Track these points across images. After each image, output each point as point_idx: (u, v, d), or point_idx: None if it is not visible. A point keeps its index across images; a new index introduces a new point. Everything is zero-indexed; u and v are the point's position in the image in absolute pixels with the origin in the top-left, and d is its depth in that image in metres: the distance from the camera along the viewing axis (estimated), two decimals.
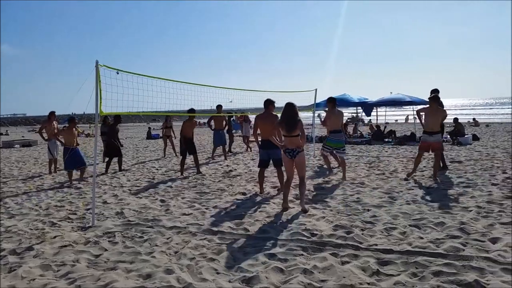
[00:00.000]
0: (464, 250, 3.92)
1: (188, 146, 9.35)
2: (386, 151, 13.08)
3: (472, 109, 69.54)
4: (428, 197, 6.20)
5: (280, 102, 8.75)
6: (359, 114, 36.61)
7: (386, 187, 7.06)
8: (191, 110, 9.19)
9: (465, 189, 6.66)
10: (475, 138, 16.18)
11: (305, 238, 4.46)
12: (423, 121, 8.06)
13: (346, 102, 19.20)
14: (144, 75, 5.87)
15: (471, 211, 5.31)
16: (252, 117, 11.84)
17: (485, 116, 41.45)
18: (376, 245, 4.15)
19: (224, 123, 12.48)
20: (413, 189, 6.83)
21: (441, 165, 8.88)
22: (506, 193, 6.23)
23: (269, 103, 6.81)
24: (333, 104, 8.25)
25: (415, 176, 8.10)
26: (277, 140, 5.97)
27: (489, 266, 3.54)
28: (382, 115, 30.54)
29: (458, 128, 15.78)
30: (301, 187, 5.78)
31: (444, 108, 8.30)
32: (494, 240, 4.16)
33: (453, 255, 3.81)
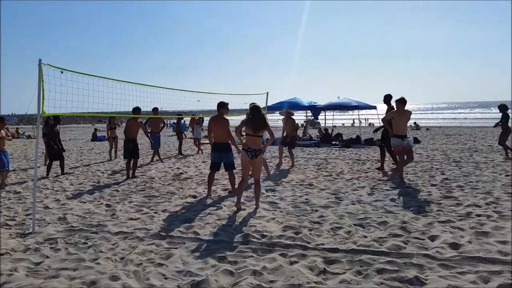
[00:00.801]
0: (405, 248, 4.12)
1: (131, 148, 9.05)
2: (334, 154, 13.50)
3: (415, 113, 73.55)
4: (372, 197, 6.46)
5: (232, 105, 8.80)
6: (312, 118, 37.54)
7: (333, 188, 7.28)
8: (136, 109, 8.91)
9: (407, 190, 7.02)
10: (416, 141, 17.12)
11: (255, 240, 4.49)
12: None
13: (296, 106, 19.57)
14: (90, 75, 5.64)
15: (412, 210, 5.60)
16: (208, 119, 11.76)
17: (426, 120, 43.96)
18: (323, 244, 4.27)
19: (161, 125, 12.31)
20: (358, 190, 7.09)
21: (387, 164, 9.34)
22: (444, 193, 6.63)
23: (221, 106, 6.80)
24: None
25: (360, 177, 8.42)
26: (241, 139, 6.23)
27: (428, 262, 3.75)
28: (330, 119, 31.48)
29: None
30: (257, 189, 5.91)
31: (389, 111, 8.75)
32: (432, 238, 4.41)
33: (395, 253, 4.00)
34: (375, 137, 15.50)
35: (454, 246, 4.11)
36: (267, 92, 12.81)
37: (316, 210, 5.70)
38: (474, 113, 62.64)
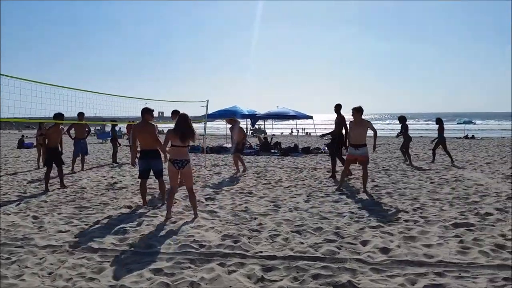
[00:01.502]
0: (339, 253, 4.28)
1: (53, 156, 8.52)
2: (273, 162, 13.73)
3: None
4: (308, 204, 6.64)
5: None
6: (261, 126, 38.09)
7: (272, 196, 7.39)
8: (58, 116, 8.37)
9: (340, 196, 7.31)
10: None
11: (193, 250, 4.41)
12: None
13: (236, 114, 19.69)
14: (15, 77, 5.27)
15: (345, 216, 5.83)
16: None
17: None
18: (261, 252, 4.31)
19: (86, 132, 11.85)
20: (295, 197, 7.26)
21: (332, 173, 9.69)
22: (375, 200, 7.00)
23: (145, 112, 6.60)
24: (176, 115, 8.41)
25: (297, 185, 8.63)
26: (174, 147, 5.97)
27: (360, 266, 3.91)
28: (269, 128, 32.03)
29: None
30: (192, 199, 5.86)
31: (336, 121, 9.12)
32: (364, 243, 4.62)
33: (329, 258, 4.13)
34: (323, 141, 15.94)
35: (384, 250, 4.34)
36: (207, 100, 12.80)
37: (255, 218, 5.75)
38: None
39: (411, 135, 13.78)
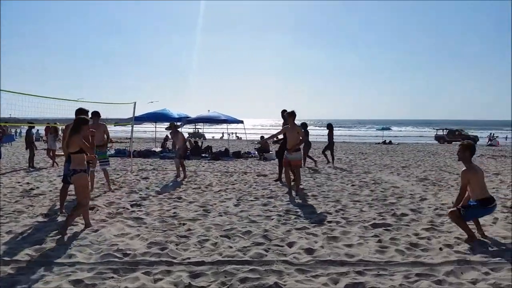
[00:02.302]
0: (266, 255, 4.35)
1: None
2: (203, 166, 13.62)
3: (275, 128, 79.18)
4: (238, 208, 6.68)
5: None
6: (199, 130, 37.55)
7: (202, 201, 7.32)
8: None
9: (269, 200, 7.46)
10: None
11: (116, 259, 4.21)
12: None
13: (166, 117, 19.30)
14: None
15: (273, 219, 5.95)
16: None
17: None
18: (189, 258, 4.24)
19: None
20: (225, 202, 7.26)
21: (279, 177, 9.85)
22: (301, 202, 7.23)
23: (78, 112, 6.24)
24: (97, 118, 8.19)
25: (227, 189, 8.65)
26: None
27: (286, 268, 4.01)
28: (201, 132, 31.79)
29: (264, 146, 17.58)
30: (73, 210, 5.21)
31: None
32: (291, 244, 4.75)
33: (257, 261, 4.19)
34: (254, 145, 16.15)
35: (309, 251, 4.50)
36: (135, 102, 12.38)
37: (183, 224, 5.64)
38: (343, 129, 69.81)
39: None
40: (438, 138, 38.43)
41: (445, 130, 38.73)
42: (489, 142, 32.92)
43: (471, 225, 5.01)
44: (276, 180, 9.98)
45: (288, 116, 8.06)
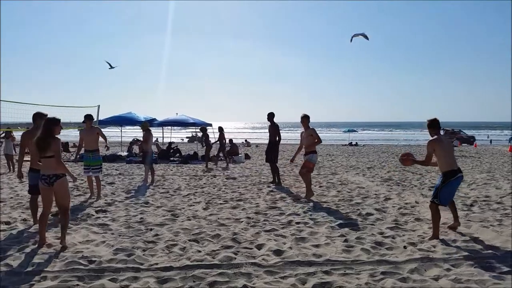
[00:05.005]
0: (235, 258, 4.35)
1: None
2: (171, 170, 13.45)
3: (248, 131, 79.45)
4: (207, 212, 6.64)
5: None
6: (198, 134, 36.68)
7: (170, 205, 7.23)
8: None
9: (238, 203, 7.45)
10: (247, 157, 18.42)
11: (81, 267, 4.09)
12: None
13: (131, 120, 18.94)
14: None
15: (242, 222, 5.96)
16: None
17: (255, 138, 47.57)
18: (157, 264, 4.18)
19: None
20: (194, 205, 7.20)
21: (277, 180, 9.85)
22: (270, 204, 7.27)
23: (38, 116, 5.87)
24: (90, 121, 8.03)
25: (196, 192, 8.58)
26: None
27: (255, 270, 4.03)
28: (168, 135, 31.33)
29: (233, 148, 17.60)
30: (63, 219, 4.86)
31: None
32: (259, 246, 4.78)
33: (226, 264, 4.18)
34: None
35: (278, 252, 4.53)
36: (99, 105, 12.10)
37: (151, 229, 5.55)
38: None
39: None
40: None
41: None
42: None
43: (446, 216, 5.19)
44: (271, 182, 10.03)
45: (304, 119, 8.02)
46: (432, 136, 5.33)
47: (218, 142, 15.31)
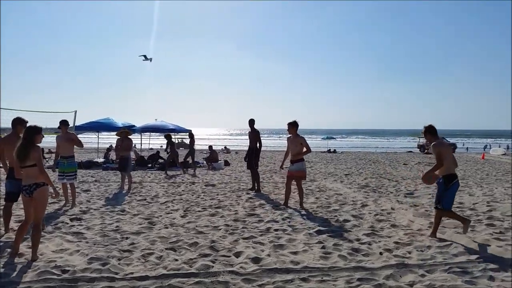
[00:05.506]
0: (213, 266, 4.32)
1: None
2: (149, 177, 13.28)
3: (227, 138, 79.25)
4: (184, 220, 6.58)
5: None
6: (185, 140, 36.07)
7: (147, 213, 7.12)
8: None
9: (216, 210, 7.41)
10: (227, 163, 18.36)
11: (54, 277, 3.98)
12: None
13: (109, 126, 18.65)
14: None
15: (220, 229, 5.92)
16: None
17: (235, 144, 47.53)
18: (132, 273, 4.10)
19: None
20: (171, 213, 7.12)
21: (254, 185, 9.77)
22: (248, 211, 7.26)
23: (17, 122, 5.72)
24: (66, 127, 7.90)
25: (174, 200, 8.48)
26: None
27: (232, 278, 4.01)
28: (147, 142, 30.96)
29: (212, 155, 17.52)
30: (35, 235, 4.56)
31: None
32: (237, 254, 4.76)
33: (203, 272, 4.14)
34: (202, 154, 15.99)
35: (256, 260, 4.52)
36: (75, 111, 11.88)
37: (127, 238, 5.45)
38: (278, 139, 70.59)
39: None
40: (420, 146, 37.25)
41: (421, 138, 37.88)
42: (425, 150, 34.99)
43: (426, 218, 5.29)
44: (250, 189, 10.03)
45: (291, 127, 7.69)
46: (432, 141, 5.48)
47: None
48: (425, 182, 5.72)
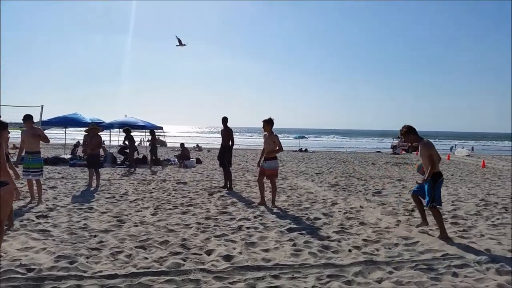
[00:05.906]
0: (184, 264, 4.29)
1: None
2: (118, 174, 13.03)
3: (199, 136, 78.72)
4: (155, 218, 6.50)
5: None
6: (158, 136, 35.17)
7: (116, 211, 6.99)
8: None
9: (188, 208, 7.36)
10: (199, 161, 18.25)
11: (19, 276, 3.85)
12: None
13: (77, 122, 18.16)
14: None
15: (192, 227, 5.89)
16: None
17: (207, 142, 47.29)
18: (101, 271, 4.02)
19: None
20: (141, 211, 7.01)
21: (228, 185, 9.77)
22: (220, 209, 7.25)
23: None
24: (31, 122, 7.66)
25: (144, 197, 8.37)
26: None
27: (204, 276, 3.99)
28: (115, 139, 30.32)
29: (184, 153, 17.36)
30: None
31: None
32: (209, 252, 4.74)
33: (174, 271, 4.10)
34: (174, 152, 15.82)
35: (227, 258, 4.52)
36: (42, 106, 11.51)
37: (95, 236, 5.33)
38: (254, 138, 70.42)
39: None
40: (394, 147, 37.62)
41: (397, 138, 36.18)
42: (393, 151, 35.93)
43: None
44: (222, 187, 9.98)
45: (265, 124, 7.73)
46: (414, 142, 5.77)
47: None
48: (420, 172, 6.13)
